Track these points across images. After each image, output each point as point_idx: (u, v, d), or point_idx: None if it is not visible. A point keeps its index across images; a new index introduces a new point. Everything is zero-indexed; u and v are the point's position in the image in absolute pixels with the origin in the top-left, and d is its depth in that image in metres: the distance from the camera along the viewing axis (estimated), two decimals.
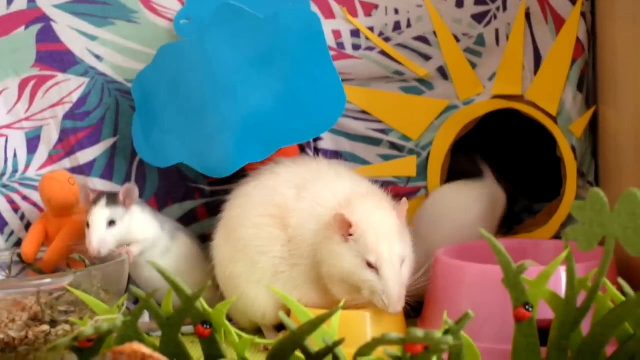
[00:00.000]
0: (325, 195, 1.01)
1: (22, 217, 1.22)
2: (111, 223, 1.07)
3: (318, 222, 0.99)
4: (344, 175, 1.06)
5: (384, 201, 1.00)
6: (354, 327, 0.94)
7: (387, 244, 0.94)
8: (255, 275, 1.03)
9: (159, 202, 1.22)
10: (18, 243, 1.20)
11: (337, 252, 0.96)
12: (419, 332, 0.64)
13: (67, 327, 0.95)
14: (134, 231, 1.09)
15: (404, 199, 1.00)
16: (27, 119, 1.22)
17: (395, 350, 0.68)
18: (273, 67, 1.10)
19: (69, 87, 1.21)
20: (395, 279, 0.93)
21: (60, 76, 1.21)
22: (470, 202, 1.13)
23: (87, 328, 0.71)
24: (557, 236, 1.18)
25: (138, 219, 1.10)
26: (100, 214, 1.07)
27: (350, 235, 0.95)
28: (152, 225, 1.11)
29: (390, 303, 0.93)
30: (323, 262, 0.97)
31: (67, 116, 1.21)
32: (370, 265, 0.94)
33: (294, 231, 1.01)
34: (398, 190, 1.23)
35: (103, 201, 1.08)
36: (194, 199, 1.23)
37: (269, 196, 1.03)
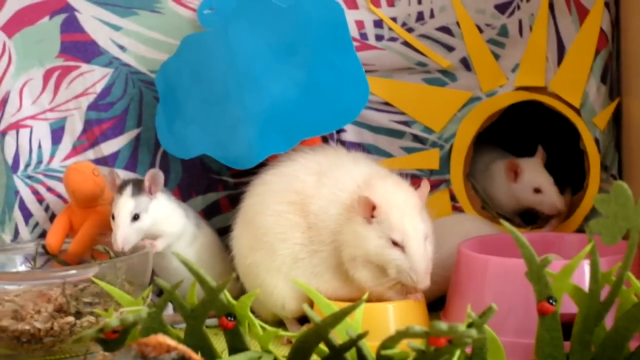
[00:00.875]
0: (345, 180, 1.02)
1: (47, 209, 1.22)
2: (135, 217, 1.07)
3: (339, 207, 1.00)
4: (362, 162, 1.07)
5: (404, 182, 1.01)
6: (377, 320, 0.94)
7: (411, 221, 0.96)
8: (275, 263, 1.03)
9: (182, 193, 1.23)
10: (43, 234, 1.21)
11: (361, 233, 0.97)
12: (442, 325, 0.64)
13: (92, 318, 0.96)
14: (160, 222, 1.09)
15: (425, 180, 1.02)
16: (51, 109, 1.22)
17: (418, 343, 0.68)
18: (296, 57, 1.10)
19: (93, 77, 1.22)
20: (421, 254, 0.95)
21: (84, 67, 1.22)
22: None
23: (112, 320, 0.72)
24: (580, 229, 1.18)
25: (164, 209, 1.10)
26: (125, 207, 1.07)
27: (373, 216, 0.96)
28: (178, 216, 1.11)
29: (419, 279, 0.95)
30: (346, 245, 0.98)
31: (91, 107, 1.22)
32: (395, 243, 0.95)
33: (314, 217, 1.01)
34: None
35: (128, 190, 1.08)
36: (217, 190, 1.24)
37: (288, 183, 1.04)
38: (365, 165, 1.05)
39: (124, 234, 1.05)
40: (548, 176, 1.22)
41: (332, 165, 1.04)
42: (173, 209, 1.11)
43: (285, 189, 1.03)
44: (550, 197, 1.20)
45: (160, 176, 1.09)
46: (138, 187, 1.08)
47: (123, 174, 1.21)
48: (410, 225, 0.96)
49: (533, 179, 1.22)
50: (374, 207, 0.96)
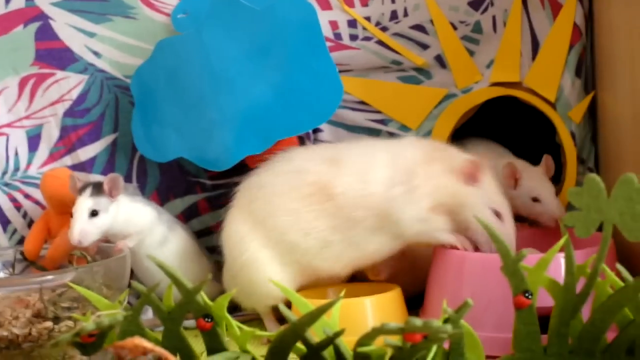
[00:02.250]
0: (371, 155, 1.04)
1: (25, 215, 1.22)
2: (93, 213, 1.07)
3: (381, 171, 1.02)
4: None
5: None
6: (355, 315, 0.94)
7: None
8: (294, 256, 1.03)
9: (160, 197, 1.23)
10: (21, 241, 1.21)
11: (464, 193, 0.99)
12: (417, 321, 0.64)
13: (70, 323, 0.96)
14: (123, 223, 1.09)
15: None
16: (27, 117, 1.22)
17: (395, 339, 0.69)
18: (270, 59, 1.11)
19: (68, 84, 1.22)
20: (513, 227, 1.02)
21: (59, 74, 1.21)
22: None
23: (88, 324, 0.72)
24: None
25: (127, 210, 1.09)
26: (82, 204, 1.07)
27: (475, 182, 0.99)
28: (144, 214, 1.11)
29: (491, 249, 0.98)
30: (441, 199, 0.99)
31: (67, 113, 1.22)
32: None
33: (343, 197, 1.01)
34: None
35: (88, 191, 1.07)
36: (196, 193, 1.24)
37: (298, 179, 1.04)
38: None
39: (80, 227, 1.05)
40: (550, 185, 1.16)
41: (341, 151, 1.06)
42: (137, 208, 1.11)
43: (297, 186, 1.03)
44: (550, 208, 1.14)
45: (120, 180, 1.08)
46: (98, 189, 1.08)
47: (101, 179, 1.21)
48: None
49: (533, 188, 1.15)
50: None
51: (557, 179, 1.22)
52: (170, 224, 1.14)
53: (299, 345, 0.74)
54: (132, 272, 1.10)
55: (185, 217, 1.22)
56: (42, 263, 1.15)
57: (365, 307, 0.97)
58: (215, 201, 1.23)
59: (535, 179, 1.16)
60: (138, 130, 1.18)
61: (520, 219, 1.20)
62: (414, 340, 0.66)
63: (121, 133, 1.22)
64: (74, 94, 1.22)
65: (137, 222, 1.10)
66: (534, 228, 1.15)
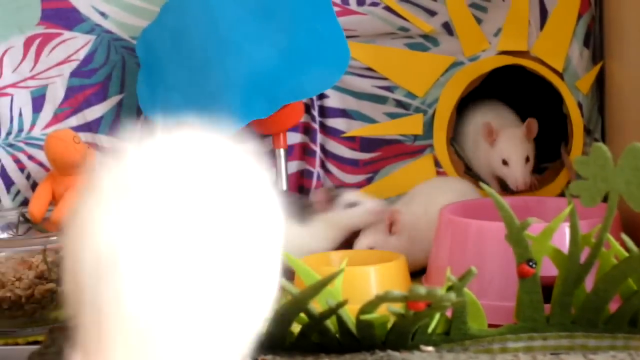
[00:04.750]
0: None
1: (28, 177, 1.22)
2: None
3: None
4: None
5: None
6: (358, 284, 0.94)
7: None
8: None
9: None
10: (24, 202, 1.20)
11: None
12: (421, 289, 0.64)
13: None
14: None
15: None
16: (32, 77, 1.22)
17: (398, 307, 0.68)
18: (276, 22, 1.11)
19: (75, 44, 1.21)
20: None
21: (66, 34, 1.21)
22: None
23: None
24: (562, 194, 1.18)
25: None
26: None
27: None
28: None
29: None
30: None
31: (74, 74, 1.21)
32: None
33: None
34: (405, 149, 1.23)
35: None
36: None
37: None
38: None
39: None
40: (521, 150, 1.16)
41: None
42: None
43: None
44: (514, 173, 1.16)
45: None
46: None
47: (106, 140, 1.21)
48: None
49: (504, 149, 1.17)
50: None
51: (558, 152, 1.21)
52: None
53: (301, 315, 0.73)
54: None
55: None
56: (45, 226, 1.14)
57: (369, 276, 0.97)
58: None
59: (509, 141, 1.17)
60: (143, 92, 1.17)
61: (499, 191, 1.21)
62: (418, 308, 0.66)
63: (127, 94, 1.21)
64: (81, 55, 1.21)
65: None
66: (516, 197, 1.14)
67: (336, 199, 1.08)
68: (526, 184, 1.16)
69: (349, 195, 1.09)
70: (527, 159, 1.17)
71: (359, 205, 1.08)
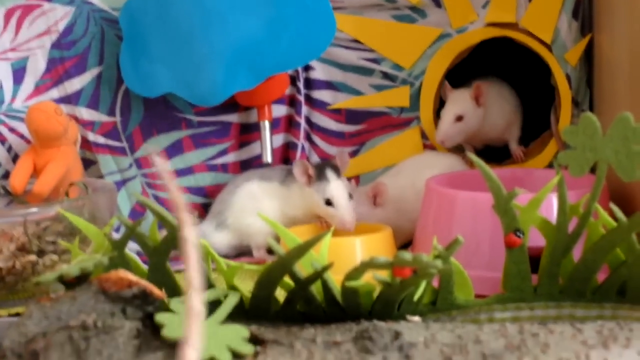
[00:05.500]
0: None
1: (9, 149, 1.20)
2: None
3: None
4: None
5: None
6: (344, 255, 0.94)
7: None
8: None
9: (144, 132, 1.21)
10: (5, 175, 1.19)
11: None
12: (407, 255, 0.63)
13: (54, 257, 0.95)
14: None
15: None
16: (12, 49, 1.20)
17: (384, 275, 0.68)
18: None
19: (55, 16, 1.19)
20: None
21: (46, 5, 1.19)
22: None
23: (71, 268, 0.70)
24: (550, 166, 1.17)
25: None
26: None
27: None
28: None
29: None
30: None
31: (55, 45, 1.19)
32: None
33: None
34: (391, 121, 1.22)
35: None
36: (180, 129, 1.22)
37: None
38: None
39: None
40: (452, 110, 1.16)
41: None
42: None
43: None
44: (439, 127, 1.17)
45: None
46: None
47: (86, 113, 1.19)
48: None
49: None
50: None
51: (548, 124, 1.21)
52: None
53: (287, 280, 0.72)
54: None
55: (169, 154, 1.21)
56: (27, 198, 1.13)
57: (354, 247, 0.96)
58: (201, 139, 1.21)
59: (449, 102, 1.18)
60: (126, 64, 1.16)
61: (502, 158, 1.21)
62: (403, 275, 0.65)
63: (106, 66, 1.20)
64: (61, 26, 1.19)
65: None
66: (503, 168, 1.14)
67: (316, 177, 1.06)
68: (443, 142, 1.16)
69: (332, 188, 1.05)
70: (459, 118, 1.16)
71: (336, 207, 1.04)
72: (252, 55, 1.09)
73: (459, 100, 1.17)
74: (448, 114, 1.17)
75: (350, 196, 1.05)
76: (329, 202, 1.04)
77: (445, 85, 1.19)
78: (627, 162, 0.72)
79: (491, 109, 1.19)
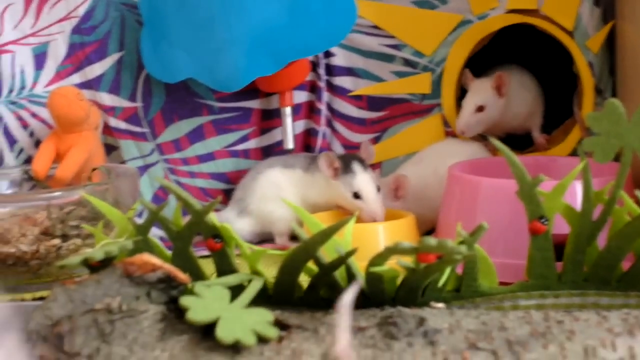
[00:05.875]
0: None
1: (32, 134, 1.21)
2: None
3: None
4: None
5: None
6: (367, 241, 0.94)
7: None
8: None
9: (165, 118, 1.21)
10: (28, 160, 1.19)
11: None
12: (432, 241, 0.63)
13: (78, 241, 0.95)
14: None
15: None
16: (33, 34, 1.20)
17: (408, 261, 0.67)
18: None
19: (75, 1, 1.19)
20: None
21: None
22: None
23: (96, 252, 0.70)
24: (573, 153, 1.17)
25: None
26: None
27: None
28: None
29: None
30: None
31: (75, 31, 1.19)
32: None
33: None
34: (412, 108, 1.22)
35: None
36: (202, 115, 1.22)
37: None
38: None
39: None
40: (472, 99, 1.16)
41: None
42: None
43: None
44: (459, 118, 1.16)
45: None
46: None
47: (107, 98, 1.19)
48: None
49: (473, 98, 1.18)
50: None
51: (570, 111, 1.20)
52: None
53: (311, 265, 0.72)
54: None
55: (190, 140, 1.21)
56: (49, 184, 1.13)
57: (378, 233, 0.96)
58: (222, 125, 1.21)
59: (471, 92, 1.17)
60: (147, 49, 1.16)
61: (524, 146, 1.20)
62: (428, 260, 0.65)
63: (127, 51, 1.20)
64: (81, 11, 1.19)
65: None
66: (527, 156, 1.14)
67: (342, 170, 1.05)
68: (463, 132, 1.16)
69: (359, 181, 1.05)
70: (480, 108, 1.16)
71: (365, 200, 1.04)
72: (273, 41, 1.09)
73: (480, 90, 1.17)
74: (469, 104, 1.16)
75: (378, 188, 1.04)
76: (356, 195, 1.04)
77: (467, 73, 1.18)
78: None
79: (512, 98, 1.19)
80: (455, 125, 1.17)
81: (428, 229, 1.08)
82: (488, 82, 1.17)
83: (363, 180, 1.04)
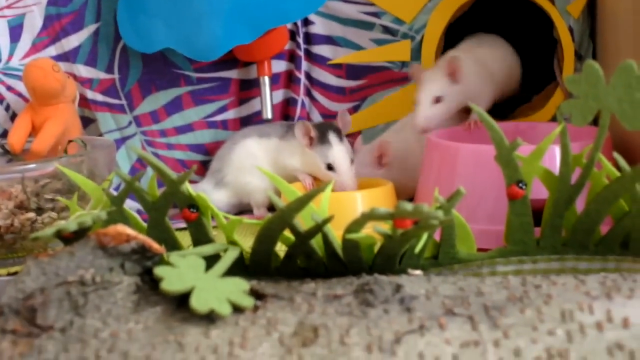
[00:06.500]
0: None
1: (7, 108, 1.19)
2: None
3: None
4: None
5: None
6: (345, 209, 0.93)
7: None
8: None
9: (142, 89, 1.20)
10: (4, 134, 1.18)
11: None
12: (407, 206, 0.62)
13: (53, 214, 0.94)
14: None
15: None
16: (8, 6, 1.18)
17: (385, 227, 0.67)
18: None
19: None
20: None
21: None
22: None
23: (69, 223, 0.69)
24: (554, 120, 1.16)
25: None
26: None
27: None
28: None
29: None
30: None
31: (51, 2, 1.18)
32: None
33: None
34: (392, 75, 1.21)
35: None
36: (179, 85, 1.20)
37: None
38: None
39: None
40: (428, 90, 1.06)
41: None
42: None
43: None
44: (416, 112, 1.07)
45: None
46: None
47: (84, 70, 1.18)
48: None
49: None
50: None
51: (554, 75, 1.19)
52: None
53: (287, 234, 0.72)
54: None
55: (167, 111, 1.20)
56: (26, 157, 1.12)
57: (356, 202, 0.96)
58: (200, 95, 1.20)
59: (423, 84, 1.07)
60: (124, 20, 1.15)
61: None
62: (404, 226, 0.64)
63: (103, 22, 1.18)
64: None
65: None
66: (506, 122, 1.13)
67: (318, 140, 1.04)
68: (424, 129, 1.06)
69: (334, 152, 1.04)
70: (437, 100, 1.06)
71: (337, 172, 1.03)
72: (251, 9, 1.08)
73: (434, 81, 1.07)
74: (424, 97, 1.06)
75: (352, 161, 1.03)
76: (330, 167, 1.03)
77: (414, 67, 1.11)
78: (631, 111, 0.71)
79: (471, 78, 1.09)
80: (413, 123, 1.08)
81: (411, 197, 1.07)
82: (440, 70, 1.08)
83: (338, 152, 1.03)
